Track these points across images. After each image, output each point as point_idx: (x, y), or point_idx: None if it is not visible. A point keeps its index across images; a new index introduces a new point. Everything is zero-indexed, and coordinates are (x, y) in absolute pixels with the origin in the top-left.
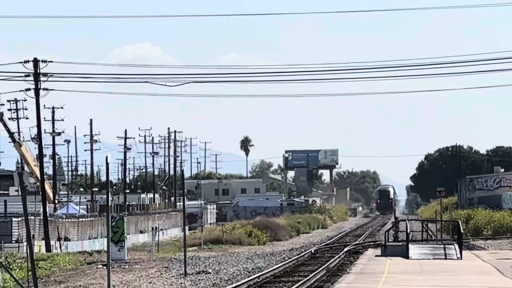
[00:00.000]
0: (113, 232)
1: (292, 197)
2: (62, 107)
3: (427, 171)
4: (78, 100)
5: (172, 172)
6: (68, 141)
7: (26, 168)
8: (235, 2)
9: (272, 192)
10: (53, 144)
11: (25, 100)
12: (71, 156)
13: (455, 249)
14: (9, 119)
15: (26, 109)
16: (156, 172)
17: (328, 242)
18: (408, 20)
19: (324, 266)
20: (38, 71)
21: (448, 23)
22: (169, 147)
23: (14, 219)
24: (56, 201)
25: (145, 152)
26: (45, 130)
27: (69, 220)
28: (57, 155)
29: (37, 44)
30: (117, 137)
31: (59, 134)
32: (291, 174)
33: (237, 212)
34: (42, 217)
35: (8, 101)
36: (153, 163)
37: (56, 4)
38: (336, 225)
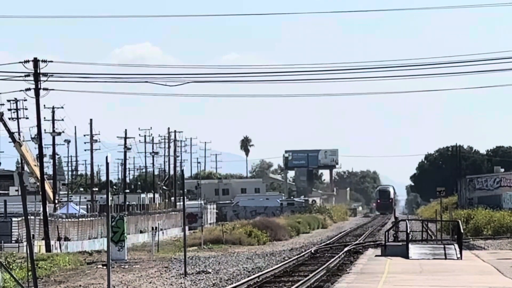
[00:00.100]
0: (113, 232)
1: (292, 197)
2: (62, 107)
3: (427, 171)
4: (78, 100)
5: (172, 172)
6: (68, 141)
7: (26, 168)
8: (235, 2)
9: (272, 192)
10: (53, 144)
11: (25, 100)
12: (71, 156)
13: (455, 249)
14: (9, 119)
15: (26, 109)
16: (156, 172)
17: (328, 242)
18: (408, 20)
19: (324, 266)
20: (38, 71)
21: (448, 23)
22: (169, 147)
23: (14, 219)
24: (56, 201)
25: (145, 152)
26: (45, 130)
27: (69, 220)
28: (57, 155)
29: (37, 44)
30: (117, 137)
31: (59, 134)
32: (291, 174)
33: (237, 212)
34: (42, 217)
35: (8, 101)
36: (153, 163)
37: (56, 4)
38: (336, 225)
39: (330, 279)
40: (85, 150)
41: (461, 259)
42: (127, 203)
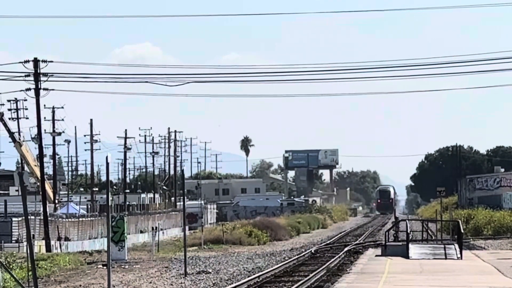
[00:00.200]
0: (113, 232)
1: (292, 197)
2: (62, 107)
3: (427, 171)
4: (78, 100)
5: (172, 172)
6: (68, 141)
7: (26, 168)
8: (235, 2)
9: (272, 192)
10: (53, 144)
11: (25, 100)
12: (71, 156)
13: (455, 249)
14: (9, 119)
15: (26, 109)
16: (156, 172)
17: (328, 242)
18: (408, 20)
19: (324, 266)
20: (38, 71)
21: (448, 23)
22: (169, 147)
23: (14, 219)
24: (56, 201)
25: (145, 152)
26: (45, 130)
27: (69, 220)
28: (57, 155)
29: (37, 44)
30: (117, 137)
31: (59, 134)
32: (291, 174)
33: (237, 212)
34: (42, 217)
35: (8, 101)
36: (153, 163)
37: (57, 4)
38: (336, 225)
39: (330, 279)
40: (85, 150)
41: (461, 259)
42: (127, 203)
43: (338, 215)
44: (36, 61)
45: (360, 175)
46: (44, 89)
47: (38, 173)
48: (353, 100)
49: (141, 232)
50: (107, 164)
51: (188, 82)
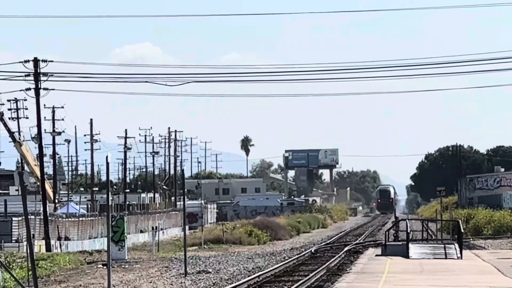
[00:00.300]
0: (113, 232)
1: (292, 197)
2: (62, 107)
3: (427, 170)
4: (78, 100)
5: (172, 172)
6: (68, 141)
7: (26, 167)
8: (235, 2)
9: (272, 192)
10: (53, 144)
11: (25, 100)
12: (71, 156)
13: (455, 248)
14: (9, 118)
15: (26, 108)
16: (156, 172)
17: (328, 241)
18: (408, 20)
19: (324, 266)
20: (38, 71)
21: (448, 23)
22: (169, 147)
23: (14, 218)
24: (56, 201)
25: (145, 152)
26: (45, 129)
27: (69, 219)
28: (57, 154)
29: (37, 44)
30: (117, 136)
31: (59, 133)
32: (291, 173)
33: (237, 212)
34: (42, 217)
35: (8, 100)
36: (153, 163)
37: (57, 4)
38: (336, 225)
39: (330, 278)
40: (85, 150)
41: (461, 258)
42: (127, 202)
43: (338, 214)
44: (36, 61)
45: (360, 175)
46: (44, 88)
47: (38, 173)
48: (353, 100)
49: (141, 231)
50: (107, 164)
51: (188, 82)
